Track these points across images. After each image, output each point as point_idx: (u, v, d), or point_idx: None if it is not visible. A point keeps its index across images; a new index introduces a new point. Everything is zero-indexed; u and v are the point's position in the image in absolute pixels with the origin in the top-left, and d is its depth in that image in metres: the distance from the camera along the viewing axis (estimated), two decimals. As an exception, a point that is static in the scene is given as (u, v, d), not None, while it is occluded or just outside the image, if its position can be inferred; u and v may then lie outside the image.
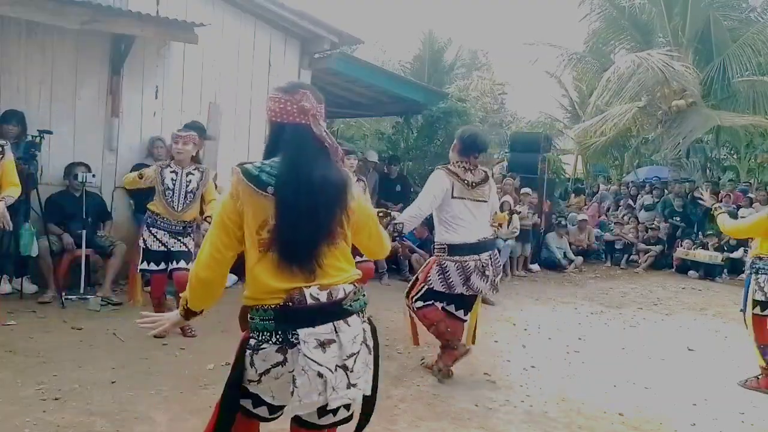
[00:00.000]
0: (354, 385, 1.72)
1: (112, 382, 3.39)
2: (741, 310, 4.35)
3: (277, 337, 1.69)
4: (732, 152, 17.00)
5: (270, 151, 1.80)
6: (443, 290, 3.73)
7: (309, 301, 1.69)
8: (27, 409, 2.96)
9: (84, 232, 5.32)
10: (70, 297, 5.18)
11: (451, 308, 3.89)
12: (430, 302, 3.82)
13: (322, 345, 1.68)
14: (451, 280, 3.68)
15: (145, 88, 6.26)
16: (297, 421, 1.82)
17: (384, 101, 10.09)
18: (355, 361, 1.73)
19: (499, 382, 3.95)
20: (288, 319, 1.69)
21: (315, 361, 1.65)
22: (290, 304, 1.69)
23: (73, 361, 3.71)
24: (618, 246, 10.72)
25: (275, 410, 1.81)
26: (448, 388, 3.75)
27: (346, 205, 1.79)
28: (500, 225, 7.06)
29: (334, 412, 1.77)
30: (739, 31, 13.17)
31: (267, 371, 1.71)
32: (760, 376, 4.14)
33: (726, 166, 16.85)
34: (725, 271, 9.59)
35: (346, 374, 1.71)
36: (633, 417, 3.46)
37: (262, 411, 1.80)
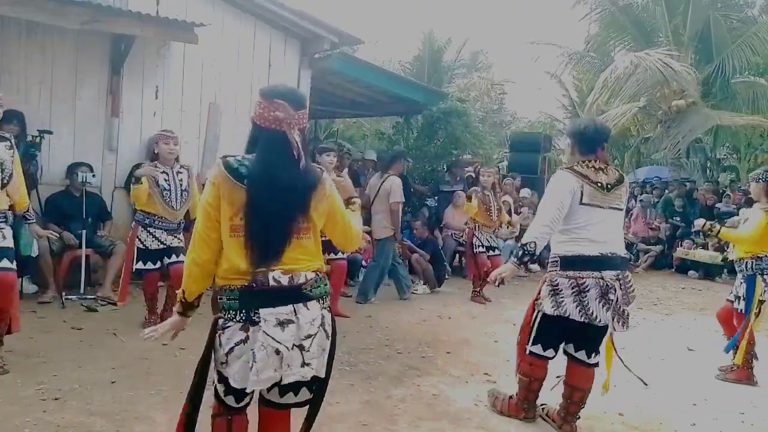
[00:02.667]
0: (308, 365, 1.88)
1: (112, 382, 3.39)
2: (735, 306, 4.33)
3: (241, 315, 1.87)
4: (732, 152, 17.00)
5: (250, 147, 1.99)
6: (554, 313, 3.01)
7: (271, 283, 1.86)
8: (27, 409, 2.96)
9: (84, 232, 5.32)
10: (70, 297, 5.18)
11: (570, 348, 3.16)
12: (549, 352, 3.13)
13: (281, 324, 1.85)
14: (562, 301, 2.98)
15: (145, 88, 6.26)
16: (263, 402, 2.04)
17: (384, 101, 10.08)
18: (311, 343, 1.89)
19: (499, 382, 3.95)
20: (251, 299, 1.87)
21: (273, 339, 1.82)
22: (254, 285, 1.86)
23: (73, 361, 3.70)
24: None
25: (240, 398, 1.99)
26: (448, 388, 3.75)
27: (308, 206, 1.95)
28: (509, 224, 7.12)
29: (295, 392, 1.99)
30: (739, 31, 13.18)
31: (231, 350, 1.88)
32: (734, 367, 4.29)
33: (726, 166, 16.85)
34: (725, 271, 9.59)
35: (302, 354, 1.87)
36: (633, 417, 3.46)
37: (230, 400, 1.99)
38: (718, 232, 4.40)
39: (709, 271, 9.52)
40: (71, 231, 5.36)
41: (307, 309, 1.90)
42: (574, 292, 2.96)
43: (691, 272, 9.72)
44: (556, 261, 3.05)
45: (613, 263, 2.98)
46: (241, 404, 2.02)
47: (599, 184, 2.96)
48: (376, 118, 14.48)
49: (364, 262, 7.15)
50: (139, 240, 4.45)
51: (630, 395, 3.83)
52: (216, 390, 2.02)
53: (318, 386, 2.02)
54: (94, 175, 5.54)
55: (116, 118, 6.03)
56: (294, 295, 1.89)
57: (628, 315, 3.01)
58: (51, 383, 3.31)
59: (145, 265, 4.44)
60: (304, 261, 1.95)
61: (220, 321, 1.93)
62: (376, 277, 6.32)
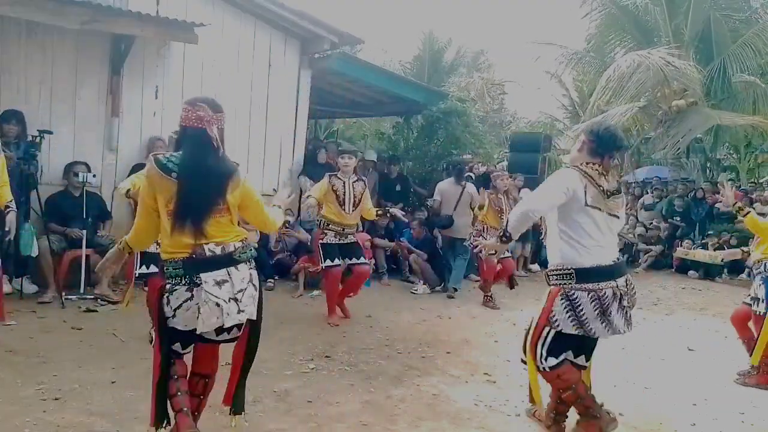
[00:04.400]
0: (243, 311, 2.42)
1: (112, 382, 3.39)
2: (754, 309, 4.24)
3: (186, 280, 2.36)
4: (732, 152, 16.99)
5: (178, 145, 2.48)
6: (575, 332, 2.87)
7: (207, 253, 2.37)
8: (27, 409, 2.96)
9: (84, 232, 5.32)
10: (70, 297, 5.17)
11: (569, 355, 3.02)
12: (563, 358, 2.97)
13: (218, 283, 2.36)
14: (584, 317, 2.84)
15: (145, 88, 6.26)
16: (200, 338, 2.50)
17: (384, 101, 10.08)
18: (243, 295, 2.42)
19: (499, 382, 3.95)
20: (193, 267, 2.36)
21: (213, 295, 2.34)
22: (194, 256, 2.36)
23: (73, 361, 3.70)
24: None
25: (186, 344, 2.50)
26: (448, 388, 3.75)
27: (225, 189, 2.41)
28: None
29: (228, 331, 2.50)
30: (739, 31, 13.17)
31: (180, 306, 2.37)
32: (752, 372, 4.23)
33: (726, 166, 16.83)
34: (725, 271, 9.59)
35: (237, 304, 2.40)
36: (633, 417, 3.46)
37: (177, 347, 2.48)
38: (747, 213, 4.25)
39: (709, 271, 9.51)
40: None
41: (238, 270, 2.42)
42: (595, 306, 2.82)
43: (691, 272, 9.72)
44: (570, 273, 2.86)
45: (623, 269, 2.97)
46: (186, 351, 2.53)
47: (602, 188, 2.88)
48: (376, 118, 14.47)
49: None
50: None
51: (630, 395, 3.84)
52: (166, 352, 2.45)
53: (252, 330, 2.55)
54: (94, 175, 5.54)
55: (116, 117, 6.03)
56: (226, 260, 2.40)
57: (631, 317, 3.00)
58: (51, 383, 3.31)
59: (148, 268, 4.10)
60: (230, 234, 2.45)
61: (167, 286, 2.40)
62: (464, 269, 7.25)
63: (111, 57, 5.96)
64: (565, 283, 2.88)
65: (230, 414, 2.60)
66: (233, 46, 6.83)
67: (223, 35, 6.66)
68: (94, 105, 5.96)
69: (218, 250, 2.38)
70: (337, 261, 5.18)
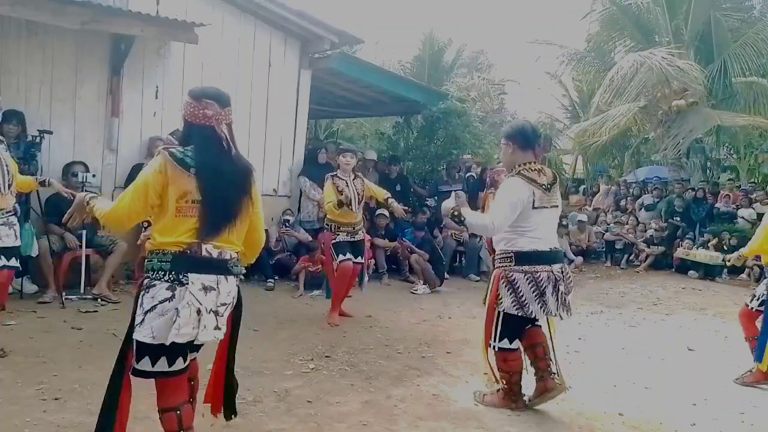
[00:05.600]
0: (219, 329, 2.20)
1: (112, 382, 3.39)
2: (748, 303, 4.27)
3: (170, 276, 2.12)
4: (732, 152, 16.98)
5: (185, 141, 2.27)
6: (516, 313, 3.16)
7: (203, 253, 2.16)
8: (27, 409, 2.96)
9: (84, 232, 5.32)
10: (70, 297, 5.18)
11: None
12: (515, 343, 3.30)
13: (206, 289, 2.14)
14: (523, 297, 3.12)
15: (145, 88, 6.27)
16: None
17: (384, 101, 10.08)
18: (225, 310, 2.22)
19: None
20: (182, 263, 2.13)
21: (197, 300, 2.10)
22: (188, 252, 2.14)
23: (73, 361, 3.70)
24: (618, 246, 10.72)
25: (172, 360, 2.18)
26: (448, 388, 3.75)
27: (249, 189, 2.30)
28: None
29: (198, 350, 2.35)
30: (740, 31, 13.16)
31: (153, 308, 2.11)
32: (753, 370, 4.21)
33: (726, 166, 16.82)
34: (725, 271, 9.59)
35: (216, 318, 2.17)
36: (633, 417, 3.46)
37: (145, 363, 2.18)
38: (746, 259, 4.51)
39: (709, 271, 9.51)
40: (71, 231, 5.36)
41: (227, 282, 2.22)
42: (531, 287, 3.11)
43: (691, 272, 9.71)
44: (510, 257, 3.17)
45: (559, 257, 3.23)
46: (175, 367, 2.21)
47: (544, 186, 3.17)
48: (376, 118, 14.46)
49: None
50: None
51: (630, 395, 3.84)
52: (145, 373, 2.22)
53: (232, 336, 2.38)
54: (93, 175, 5.54)
55: (116, 118, 6.03)
56: (220, 267, 2.20)
57: (569, 303, 3.23)
58: (51, 383, 3.31)
59: None
60: (230, 243, 2.26)
61: (146, 281, 2.18)
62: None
63: (111, 57, 5.96)
64: (506, 266, 3.19)
65: (225, 418, 2.52)
66: (233, 46, 6.83)
67: (223, 35, 6.67)
68: (94, 105, 5.97)
69: (215, 253, 2.18)
70: (349, 255, 5.17)
